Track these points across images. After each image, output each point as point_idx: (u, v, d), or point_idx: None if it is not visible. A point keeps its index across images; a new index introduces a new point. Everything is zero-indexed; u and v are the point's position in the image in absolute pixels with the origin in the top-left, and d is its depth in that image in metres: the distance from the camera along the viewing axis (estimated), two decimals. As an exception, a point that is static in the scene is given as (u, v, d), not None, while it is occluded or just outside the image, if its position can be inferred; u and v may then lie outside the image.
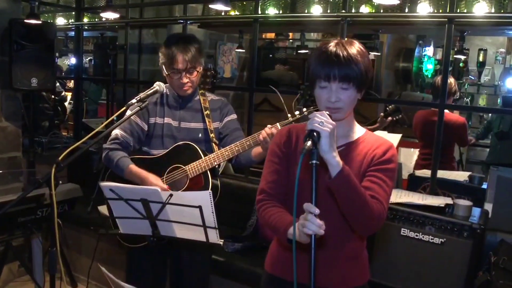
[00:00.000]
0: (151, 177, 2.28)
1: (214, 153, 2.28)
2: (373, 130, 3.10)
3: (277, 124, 2.20)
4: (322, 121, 1.40)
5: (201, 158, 2.28)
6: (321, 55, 1.56)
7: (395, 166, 1.63)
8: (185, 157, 2.32)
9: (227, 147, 2.27)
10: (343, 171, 1.43)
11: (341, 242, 1.66)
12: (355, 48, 1.56)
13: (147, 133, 2.44)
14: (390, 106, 3.01)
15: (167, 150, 2.38)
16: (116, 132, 2.38)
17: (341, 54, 1.52)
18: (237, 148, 2.24)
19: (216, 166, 2.29)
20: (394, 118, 3.51)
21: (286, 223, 1.54)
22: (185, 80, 2.34)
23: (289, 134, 1.72)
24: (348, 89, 1.54)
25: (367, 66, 1.57)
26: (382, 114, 3.22)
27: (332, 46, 1.55)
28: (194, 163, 2.29)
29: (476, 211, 2.65)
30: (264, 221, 1.66)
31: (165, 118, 2.42)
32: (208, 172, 2.28)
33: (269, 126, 2.20)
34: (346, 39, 1.65)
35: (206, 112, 2.43)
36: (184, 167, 2.32)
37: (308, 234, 1.33)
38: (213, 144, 2.36)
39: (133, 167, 2.33)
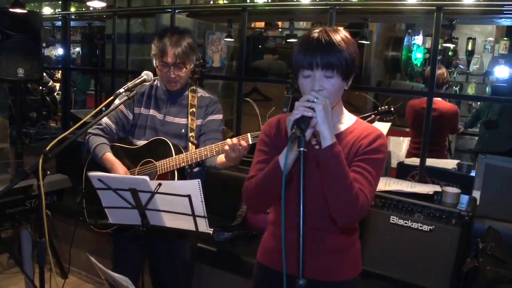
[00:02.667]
0: (120, 169, 2.30)
1: (183, 154, 2.25)
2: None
3: (248, 134, 2.13)
4: (315, 96, 1.41)
5: (172, 156, 2.27)
6: (303, 43, 1.53)
7: (383, 156, 1.59)
8: (158, 152, 2.32)
9: (197, 150, 2.24)
10: (335, 145, 1.42)
11: (327, 234, 1.65)
12: (340, 35, 1.52)
13: (132, 122, 2.44)
14: (382, 108, 3.01)
15: (146, 143, 2.38)
16: (103, 119, 2.37)
17: (323, 41, 1.49)
18: (205, 153, 2.20)
19: (186, 167, 2.26)
20: (385, 119, 3.49)
21: (274, 161, 1.52)
22: (172, 75, 2.31)
23: (278, 124, 1.71)
24: (333, 77, 1.50)
25: (353, 54, 1.53)
26: (373, 115, 3.21)
27: (314, 33, 1.52)
28: (164, 160, 2.28)
29: (464, 199, 2.67)
30: (253, 187, 1.59)
31: (150, 109, 2.42)
32: (176, 172, 2.26)
33: (237, 137, 2.15)
34: (333, 27, 1.61)
35: (191, 110, 2.40)
36: (155, 163, 2.31)
37: (295, 118, 1.35)
38: (190, 144, 2.34)
39: (109, 155, 2.35)
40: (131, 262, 2.40)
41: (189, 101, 2.42)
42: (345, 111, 1.70)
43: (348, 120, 1.69)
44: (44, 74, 6.31)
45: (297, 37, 5.32)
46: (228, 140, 2.12)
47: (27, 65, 3.43)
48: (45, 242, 2.10)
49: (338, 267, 1.68)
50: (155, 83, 2.45)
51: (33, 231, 3.09)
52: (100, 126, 2.40)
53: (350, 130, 1.64)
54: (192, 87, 2.47)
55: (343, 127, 1.66)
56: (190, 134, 2.36)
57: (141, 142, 2.41)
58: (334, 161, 1.43)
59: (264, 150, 1.69)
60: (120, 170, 2.30)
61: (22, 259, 3.23)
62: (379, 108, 3.33)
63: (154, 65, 2.37)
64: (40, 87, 5.39)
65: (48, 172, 2.32)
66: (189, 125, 2.38)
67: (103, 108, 2.31)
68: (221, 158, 2.26)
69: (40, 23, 3.62)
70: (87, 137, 2.41)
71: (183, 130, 2.40)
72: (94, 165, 2.43)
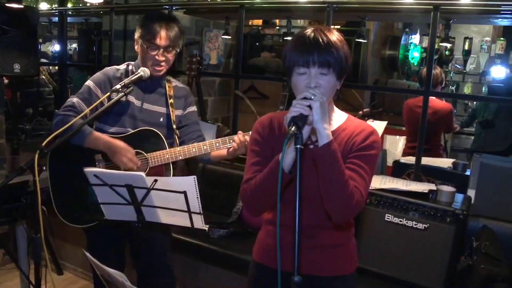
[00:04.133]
0: (122, 143, 2.24)
1: (180, 147, 2.24)
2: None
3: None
4: (313, 93, 1.41)
5: (165, 149, 2.25)
6: (298, 41, 1.54)
7: (377, 152, 1.61)
8: (148, 144, 2.28)
9: (195, 144, 2.23)
10: (332, 143, 1.43)
11: (324, 231, 1.66)
12: (335, 35, 1.55)
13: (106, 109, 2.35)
14: (364, 110, 3.04)
15: (131, 132, 2.32)
16: (73, 99, 2.30)
17: (321, 40, 1.50)
18: (205, 147, 2.20)
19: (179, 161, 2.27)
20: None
21: (274, 160, 1.52)
22: (161, 57, 2.28)
23: (270, 123, 1.70)
24: (328, 74, 1.51)
25: (347, 54, 1.55)
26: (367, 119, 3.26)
27: (309, 32, 1.54)
28: (157, 152, 2.25)
29: (459, 197, 2.68)
30: (253, 189, 1.58)
31: (128, 95, 2.32)
32: (171, 165, 2.25)
33: (243, 134, 2.15)
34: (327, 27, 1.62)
35: (170, 101, 2.38)
36: (145, 155, 2.28)
37: (292, 115, 1.36)
38: (175, 136, 2.33)
39: (99, 133, 2.28)
40: (108, 257, 2.35)
41: (167, 92, 2.39)
42: (336, 109, 1.72)
43: (340, 117, 1.70)
44: (43, 76, 6.31)
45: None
46: (236, 137, 2.12)
47: (23, 60, 3.42)
48: (40, 238, 2.10)
49: (335, 262, 1.69)
50: (129, 68, 2.39)
51: (29, 227, 3.09)
52: (73, 109, 2.27)
53: (343, 128, 1.66)
54: (167, 77, 2.44)
55: (335, 125, 1.67)
56: (174, 126, 2.36)
57: (118, 129, 2.33)
58: (330, 159, 1.44)
59: (257, 150, 1.68)
60: (122, 145, 2.23)
61: (18, 255, 3.23)
62: (359, 112, 3.37)
63: (138, 48, 2.31)
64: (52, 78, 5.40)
65: (44, 168, 2.31)
66: (171, 116, 2.36)
67: (98, 105, 2.30)
68: (219, 152, 2.26)
69: (36, 18, 3.61)
70: (58, 118, 2.26)
71: (161, 119, 2.37)
72: (58, 154, 2.32)
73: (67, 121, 2.20)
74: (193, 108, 2.50)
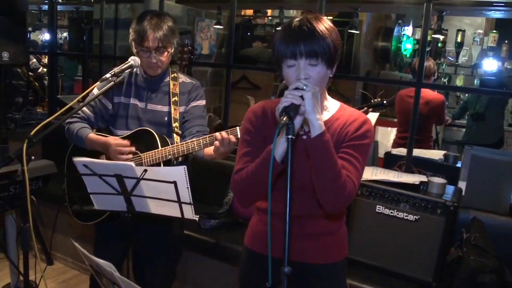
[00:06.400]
0: (110, 138, 2.24)
1: (170, 146, 2.21)
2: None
3: (237, 128, 2.07)
4: (305, 84, 1.39)
5: (158, 148, 2.22)
6: (284, 32, 1.51)
7: (369, 142, 1.60)
8: (143, 144, 2.26)
9: (184, 142, 2.19)
10: (324, 134, 1.42)
11: (315, 219, 1.66)
12: (322, 23, 1.51)
13: (112, 112, 2.37)
14: (375, 100, 2.98)
15: (128, 133, 2.32)
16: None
17: (306, 29, 1.47)
18: (192, 146, 2.14)
19: (172, 159, 2.22)
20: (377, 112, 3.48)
21: (266, 151, 1.51)
22: (154, 60, 2.24)
23: (263, 112, 1.68)
24: (317, 65, 1.49)
25: (335, 41, 1.51)
26: (366, 107, 3.19)
27: (295, 21, 1.50)
28: (149, 152, 2.23)
29: (450, 189, 2.69)
30: (245, 179, 1.57)
31: (131, 98, 2.34)
32: (162, 164, 2.22)
33: (226, 131, 2.10)
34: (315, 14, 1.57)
35: (173, 99, 2.33)
36: (140, 155, 2.26)
37: (283, 106, 1.34)
38: (174, 134, 2.29)
39: (92, 135, 2.27)
40: (112, 249, 2.36)
41: (171, 90, 2.35)
42: (329, 97, 1.70)
43: (332, 107, 1.68)
44: (34, 59, 6.23)
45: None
46: (217, 134, 2.08)
47: (11, 48, 3.37)
48: (29, 227, 2.08)
49: (326, 250, 1.70)
50: (134, 70, 2.37)
51: (18, 217, 3.06)
52: (78, 115, 2.32)
53: (336, 117, 1.64)
54: (173, 74, 2.39)
55: (328, 114, 1.65)
56: (174, 125, 2.31)
57: (124, 132, 2.33)
58: (323, 150, 1.43)
59: (248, 140, 1.66)
60: (110, 139, 2.23)
61: (7, 245, 3.20)
62: (372, 100, 3.32)
63: (134, 51, 2.29)
64: (29, 72, 5.31)
65: (33, 157, 2.29)
66: (172, 115, 2.32)
67: (91, 94, 2.28)
68: (209, 150, 2.20)
69: (25, 6, 3.57)
70: (66, 127, 2.33)
71: (166, 118, 2.34)
72: (77, 150, 2.37)
73: (71, 126, 2.30)
74: (198, 103, 2.40)
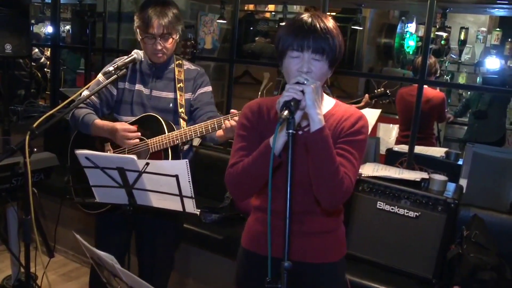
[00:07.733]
0: (117, 124, 2.24)
1: (177, 131, 2.21)
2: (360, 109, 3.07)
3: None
4: (306, 78, 1.40)
5: (164, 133, 2.22)
6: (294, 25, 1.52)
7: (365, 137, 1.60)
8: (149, 130, 2.26)
9: (191, 126, 2.19)
10: (324, 129, 1.42)
11: (314, 217, 1.65)
12: (331, 22, 1.54)
13: (116, 98, 2.37)
14: (379, 90, 2.97)
15: (134, 119, 2.31)
16: (85, 93, 2.31)
17: (318, 25, 1.49)
18: (200, 130, 2.15)
19: (179, 144, 2.23)
20: (381, 102, 3.47)
21: (263, 144, 1.50)
22: (159, 46, 2.24)
23: (259, 108, 1.68)
24: (321, 61, 1.50)
25: (341, 43, 1.54)
26: (367, 95, 3.17)
27: (306, 17, 1.52)
28: (156, 137, 2.23)
29: (451, 186, 2.69)
30: (240, 173, 1.57)
31: (136, 84, 2.34)
32: (169, 150, 2.23)
33: (231, 115, 2.11)
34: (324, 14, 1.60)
35: (179, 85, 2.34)
36: (147, 141, 2.26)
37: (284, 100, 1.34)
38: (181, 120, 2.29)
39: (98, 121, 2.28)
40: (114, 241, 2.36)
41: (176, 76, 2.35)
42: (324, 95, 1.69)
43: (327, 103, 1.68)
44: (36, 49, 6.23)
45: (290, 21, 5.29)
46: (227, 122, 2.09)
47: (15, 40, 3.38)
48: (31, 220, 2.09)
49: (324, 249, 1.69)
50: (135, 56, 2.35)
51: (20, 209, 3.08)
52: (84, 102, 2.31)
53: (331, 113, 1.64)
54: (178, 61, 2.40)
55: (324, 110, 1.64)
56: (180, 110, 2.31)
57: (129, 118, 2.33)
58: (322, 144, 1.43)
59: (244, 135, 1.66)
60: (117, 125, 2.23)
61: (8, 237, 3.21)
62: (376, 91, 3.30)
63: (138, 38, 2.28)
64: (31, 63, 5.31)
65: (35, 150, 2.29)
66: (178, 100, 2.33)
67: (94, 86, 2.28)
68: (221, 131, 2.20)
69: (29, -2, 3.57)
70: (71, 113, 2.31)
71: (171, 105, 2.34)
72: (79, 141, 2.37)
73: (76, 112, 2.28)
74: (205, 89, 2.41)
